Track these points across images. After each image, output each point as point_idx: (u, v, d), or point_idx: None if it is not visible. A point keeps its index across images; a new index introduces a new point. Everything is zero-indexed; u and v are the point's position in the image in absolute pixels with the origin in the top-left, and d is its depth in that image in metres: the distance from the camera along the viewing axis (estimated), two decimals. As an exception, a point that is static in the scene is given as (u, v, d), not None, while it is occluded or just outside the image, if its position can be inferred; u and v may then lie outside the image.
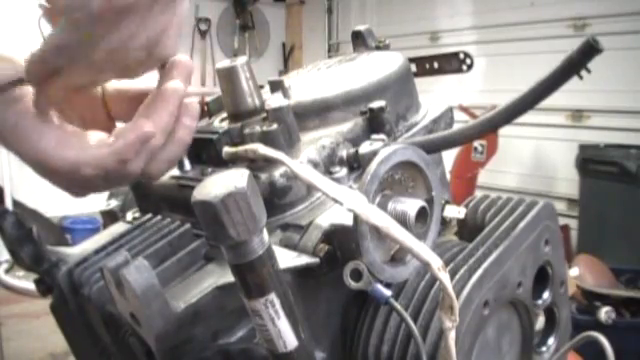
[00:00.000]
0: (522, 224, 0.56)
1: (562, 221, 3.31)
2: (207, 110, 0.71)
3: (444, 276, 0.43)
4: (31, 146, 0.47)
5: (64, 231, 4.52)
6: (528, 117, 0.58)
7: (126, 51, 0.47)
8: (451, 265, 0.52)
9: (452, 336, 0.45)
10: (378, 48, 0.76)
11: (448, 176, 0.79)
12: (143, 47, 0.48)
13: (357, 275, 0.48)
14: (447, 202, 0.63)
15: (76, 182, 0.48)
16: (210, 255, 0.54)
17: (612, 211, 3.52)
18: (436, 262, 0.43)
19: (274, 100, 0.57)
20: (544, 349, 0.64)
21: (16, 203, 4.18)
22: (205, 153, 0.61)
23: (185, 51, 5.81)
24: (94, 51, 0.46)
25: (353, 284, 0.48)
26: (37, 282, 0.63)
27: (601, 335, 0.61)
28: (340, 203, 0.45)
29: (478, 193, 0.72)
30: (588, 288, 2.63)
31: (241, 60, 0.61)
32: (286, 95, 0.63)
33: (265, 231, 0.39)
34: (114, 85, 0.57)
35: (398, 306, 0.49)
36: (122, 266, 0.43)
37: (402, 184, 0.52)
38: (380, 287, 0.48)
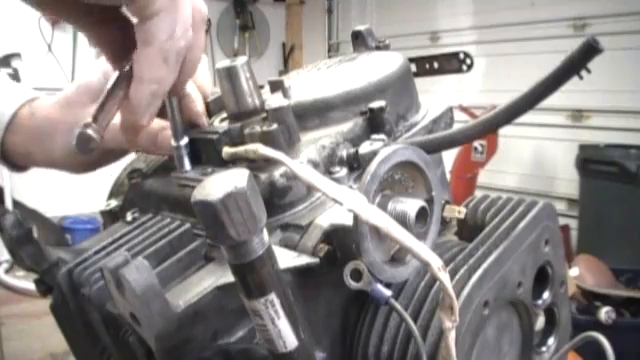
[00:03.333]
0: (522, 224, 0.56)
1: (562, 221, 3.31)
2: (207, 110, 0.71)
3: (444, 276, 0.43)
4: None
5: (64, 231, 4.53)
6: (528, 117, 0.58)
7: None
8: (451, 265, 0.52)
9: (452, 336, 0.45)
10: (378, 48, 0.76)
11: (448, 176, 0.79)
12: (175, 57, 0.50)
13: (357, 275, 0.48)
14: (447, 202, 0.63)
15: None
16: (210, 255, 0.54)
17: (612, 211, 3.52)
18: (436, 262, 0.43)
19: (274, 100, 0.57)
20: (544, 349, 0.64)
21: (16, 203, 4.19)
22: (205, 153, 0.61)
23: (185, 51, 5.81)
24: None
25: (353, 284, 0.48)
26: (37, 282, 0.63)
27: (601, 335, 0.61)
28: (340, 203, 0.45)
29: (478, 193, 0.72)
30: (588, 288, 2.64)
31: (241, 60, 0.60)
32: (286, 95, 0.63)
33: (265, 231, 0.39)
34: None
35: (399, 306, 0.49)
36: (122, 266, 0.43)
37: (402, 184, 0.52)
38: (380, 287, 0.48)
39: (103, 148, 0.62)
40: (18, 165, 0.69)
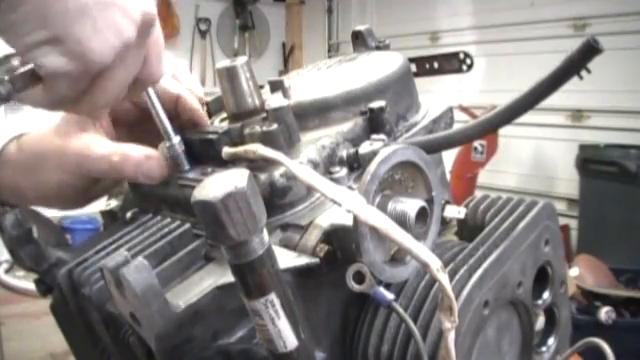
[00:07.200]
0: (522, 224, 0.56)
1: (562, 221, 3.31)
2: (207, 110, 0.71)
3: (443, 277, 0.43)
4: None
5: (64, 231, 4.51)
6: (528, 117, 0.58)
7: (105, 95, 0.49)
8: (451, 265, 0.52)
9: (452, 336, 0.45)
10: (378, 48, 0.76)
11: (448, 176, 0.79)
12: (122, 87, 0.49)
13: (360, 278, 0.48)
14: (447, 202, 0.63)
15: None
16: (210, 255, 0.54)
17: (612, 211, 3.52)
18: (435, 263, 0.43)
19: (274, 100, 0.57)
20: (544, 349, 0.64)
21: (16, 203, 4.17)
22: (205, 153, 0.61)
23: (185, 51, 5.82)
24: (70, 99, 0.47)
25: (356, 287, 0.48)
26: (37, 282, 0.63)
27: (602, 341, 0.61)
28: (339, 204, 0.45)
29: (478, 193, 0.72)
30: (588, 288, 2.63)
31: (241, 60, 0.61)
32: (286, 95, 0.63)
33: (265, 231, 0.39)
34: None
35: (401, 310, 0.49)
36: (122, 266, 0.43)
37: (402, 184, 0.52)
38: (382, 290, 0.48)
39: (91, 178, 0.63)
40: (8, 202, 0.68)
